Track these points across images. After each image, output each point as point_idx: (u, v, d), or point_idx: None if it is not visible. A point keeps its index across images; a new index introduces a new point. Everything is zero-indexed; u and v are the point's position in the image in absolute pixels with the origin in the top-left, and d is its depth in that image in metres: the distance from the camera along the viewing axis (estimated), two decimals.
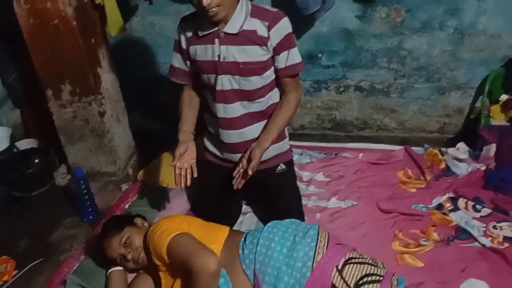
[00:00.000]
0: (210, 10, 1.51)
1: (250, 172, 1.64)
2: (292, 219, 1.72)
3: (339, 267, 1.50)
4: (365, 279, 1.47)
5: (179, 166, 1.76)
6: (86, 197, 2.24)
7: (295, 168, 2.29)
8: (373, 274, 1.49)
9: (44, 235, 2.20)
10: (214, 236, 1.68)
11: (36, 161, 2.43)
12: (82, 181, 2.20)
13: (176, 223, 1.66)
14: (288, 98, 1.77)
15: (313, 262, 1.52)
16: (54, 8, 2.14)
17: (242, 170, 1.68)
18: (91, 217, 2.27)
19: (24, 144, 2.69)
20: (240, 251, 1.62)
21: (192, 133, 1.85)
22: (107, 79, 2.47)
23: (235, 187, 1.70)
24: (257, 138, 1.78)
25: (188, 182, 1.78)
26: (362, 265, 1.51)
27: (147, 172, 2.53)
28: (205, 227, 1.72)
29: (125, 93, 2.67)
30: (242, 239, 1.66)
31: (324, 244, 1.58)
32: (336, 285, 1.47)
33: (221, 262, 1.54)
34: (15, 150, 2.56)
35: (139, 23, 2.80)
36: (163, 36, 2.79)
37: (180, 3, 2.65)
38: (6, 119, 2.93)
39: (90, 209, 2.26)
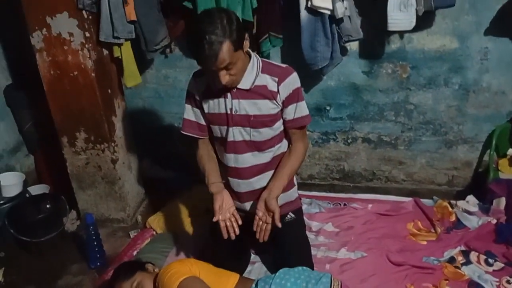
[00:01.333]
0: (225, 87, 1.64)
1: (279, 225, 1.67)
2: (304, 267, 1.71)
3: None
4: None
5: (222, 219, 1.73)
6: (95, 243, 2.24)
7: (304, 218, 2.30)
8: None
9: (52, 281, 2.20)
10: (224, 282, 1.67)
11: (47, 206, 2.45)
12: (91, 227, 2.22)
13: (186, 266, 1.66)
14: (295, 146, 1.83)
15: None
16: (74, 60, 2.26)
17: (262, 222, 1.70)
18: (98, 263, 2.27)
19: (36, 189, 2.73)
20: None
21: (221, 182, 1.84)
22: (121, 127, 2.54)
23: (261, 240, 1.71)
24: (263, 188, 1.81)
25: (237, 231, 1.74)
26: None
27: (156, 219, 2.54)
28: (215, 273, 1.71)
29: (137, 142, 2.74)
30: (253, 285, 1.65)
31: None
32: None
33: None
34: (27, 195, 2.59)
35: (154, 75, 2.91)
36: (176, 88, 2.88)
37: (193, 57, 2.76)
38: (19, 165, 2.99)
39: (98, 255, 2.26)
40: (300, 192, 2.67)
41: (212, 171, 1.84)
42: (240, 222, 1.75)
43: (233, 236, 1.74)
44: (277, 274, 1.66)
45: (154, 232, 2.49)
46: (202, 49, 1.50)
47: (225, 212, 1.74)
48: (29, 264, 2.33)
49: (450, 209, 2.46)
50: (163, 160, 3.08)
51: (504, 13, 2.27)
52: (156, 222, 2.54)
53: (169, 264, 1.73)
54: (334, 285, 1.60)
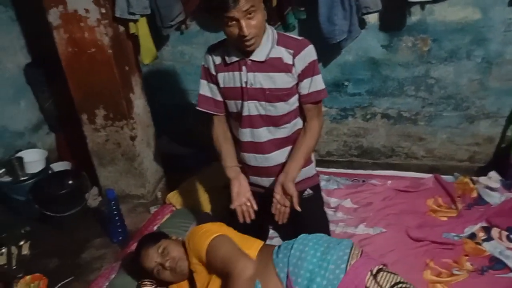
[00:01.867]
0: (248, 40, 1.57)
1: (298, 208, 1.67)
2: (324, 234, 1.74)
3: (373, 272, 1.50)
4: (399, 285, 1.47)
5: (238, 204, 1.73)
6: (117, 218, 2.29)
7: (323, 194, 2.30)
8: (406, 282, 1.50)
9: (75, 255, 2.27)
10: (250, 243, 1.72)
11: (70, 182, 2.51)
12: (113, 202, 2.26)
13: (217, 226, 1.74)
14: (310, 124, 1.80)
15: (347, 265, 1.52)
16: (91, 37, 2.26)
17: (280, 205, 1.69)
18: (120, 237, 2.32)
19: (59, 166, 2.79)
20: (274, 255, 1.65)
21: (237, 166, 1.84)
22: (139, 104, 2.56)
23: (280, 222, 1.72)
24: (282, 164, 1.80)
25: (252, 215, 1.74)
26: (395, 275, 1.52)
27: (175, 195, 2.57)
28: (242, 236, 1.76)
29: (155, 119, 2.75)
30: (276, 247, 1.70)
31: (358, 252, 1.59)
32: None
33: (255, 266, 1.58)
34: (49, 171, 2.65)
35: (170, 52, 2.90)
36: (192, 64, 2.87)
37: (210, 32, 2.74)
38: (41, 143, 3.05)
39: (119, 230, 2.32)
40: (318, 168, 2.65)
41: (228, 154, 1.83)
42: (255, 207, 1.75)
43: (248, 220, 1.74)
44: (297, 238, 1.69)
45: (174, 208, 2.52)
46: None
47: (241, 197, 1.74)
48: (53, 238, 2.40)
49: (471, 185, 2.42)
50: (180, 137, 3.10)
51: None
52: (176, 198, 2.57)
53: (200, 225, 1.79)
54: (355, 248, 1.61)
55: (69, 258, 2.24)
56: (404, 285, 1.48)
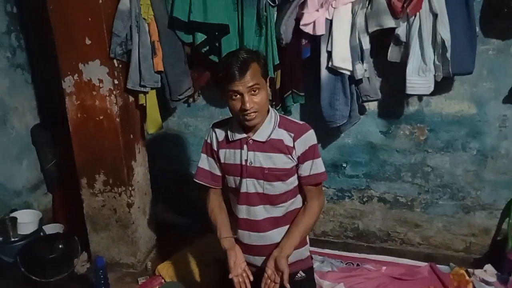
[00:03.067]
0: (249, 114, 1.65)
1: (287, 285, 1.63)
2: None
3: None
4: None
5: (235, 275, 1.71)
6: (103, 287, 2.22)
7: (316, 276, 2.25)
8: None
9: None
10: None
11: (60, 246, 2.45)
12: (101, 271, 2.22)
13: None
14: (310, 204, 1.82)
15: None
16: (102, 105, 2.36)
17: (270, 281, 1.67)
18: None
19: (51, 228, 2.77)
20: None
21: (232, 237, 1.83)
22: (139, 172, 2.59)
23: None
24: (277, 243, 1.79)
25: (249, 286, 1.71)
26: None
27: (165, 267, 2.53)
28: None
29: (153, 185, 2.77)
30: None
31: None
32: None
33: None
34: (41, 233, 2.62)
35: (176, 122, 2.99)
36: (196, 136, 2.95)
37: (215, 107, 2.85)
38: (37, 203, 3.05)
39: None
40: (313, 248, 2.63)
41: (223, 225, 1.83)
42: (251, 278, 1.72)
43: None
44: None
45: (163, 280, 2.47)
46: (232, 65, 1.58)
47: (237, 267, 1.72)
48: None
49: (467, 277, 2.40)
50: (177, 206, 3.10)
51: None
52: (166, 270, 2.52)
53: None
54: None
55: None
56: None
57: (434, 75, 2.16)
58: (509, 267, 2.33)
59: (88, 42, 2.24)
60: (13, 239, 2.48)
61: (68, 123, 2.44)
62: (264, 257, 1.84)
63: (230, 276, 1.69)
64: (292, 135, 1.74)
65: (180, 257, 2.60)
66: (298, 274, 1.92)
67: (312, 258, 2.03)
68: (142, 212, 2.64)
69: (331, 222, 2.92)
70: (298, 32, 2.30)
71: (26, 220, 2.58)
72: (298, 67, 2.39)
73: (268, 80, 1.72)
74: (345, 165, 2.76)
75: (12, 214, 2.61)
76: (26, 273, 2.35)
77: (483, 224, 2.63)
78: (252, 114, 1.65)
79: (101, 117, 2.37)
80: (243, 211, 1.83)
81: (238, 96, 1.63)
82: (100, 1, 2.17)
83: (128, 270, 2.62)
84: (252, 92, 1.62)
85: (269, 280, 1.67)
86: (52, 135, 2.99)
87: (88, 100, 2.35)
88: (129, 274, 2.60)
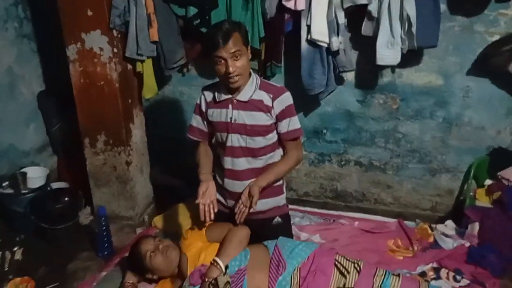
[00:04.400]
0: (232, 77, 1.90)
1: (254, 207, 1.96)
2: None
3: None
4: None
5: (202, 203, 2.04)
6: (105, 233, 2.52)
7: (294, 229, 2.54)
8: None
9: (63, 264, 2.48)
10: None
11: (65, 199, 2.74)
12: (103, 219, 2.50)
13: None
14: (288, 154, 2.12)
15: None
16: (102, 71, 2.59)
17: (242, 206, 1.98)
18: (106, 252, 2.53)
19: (58, 185, 3.04)
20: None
21: (210, 173, 2.16)
22: (137, 134, 2.85)
23: (237, 222, 1.99)
24: None
25: (212, 216, 2.05)
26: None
27: (160, 219, 2.82)
28: None
29: (150, 149, 3.03)
30: None
31: None
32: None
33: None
34: (48, 188, 2.89)
35: (171, 90, 3.23)
36: (189, 103, 3.19)
37: (206, 78, 3.08)
38: (44, 163, 3.31)
39: (106, 245, 2.53)
40: (295, 206, 2.94)
41: (205, 164, 2.16)
42: (215, 209, 2.06)
43: (207, 220, 2.03)
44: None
45: (157, 230, 2.76)
46: (217, 33, 1.84)
47: (206, 198, 2.05)
48: (45, 248, 2.61)
49: (429, 231, 2.67)
50: (172, 169, 3.36)
51: (485, 56, 2.54)
52: (161, 221, 2.81)
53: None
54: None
55: (56, 267, 2.44)
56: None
57: (401, 48, 2.40)
58: (466, 222, 2.60)
59: (89, 13, 2.46)
60: (23, 192, 2.76)
61: (70, 90, 2.67)
62: None
63: (196, 201, 2.02)
64: (271, 96, 2.00)
65: (174, 210, 2.88)
66: (275, 219, 2.20)
67: (288, 206, 2.30)
68: (140, 170, 2.91)
69: (312, 184, 3.20)
70: (281, 7, 2.52)
71: (35, 175, 2.85)
72: (279, 40, 2.62)
73: (249, 48, 1.97)
74: (325, 132, 3.02)
75: (22, 170, 2.88)
76: (36, 221, 2.64)
77: (448, 185, 2.91)
78: (236, 77, 1.91)
79: (102, 83, 2.61)
80: (228, 162, 2.11)
81: (223, 61, 1.88)
82: None
83: (127, 222, 2.90)
84: (235, 57, 1.87)
85: (242, 205, 1.98)
86: (57, 101, 3.23)
87: (90, 67, 2.59)
88: (128, 225, 2.88)
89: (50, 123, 3.34)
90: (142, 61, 2.65)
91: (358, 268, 1.89)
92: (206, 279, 1.85)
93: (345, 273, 1.87)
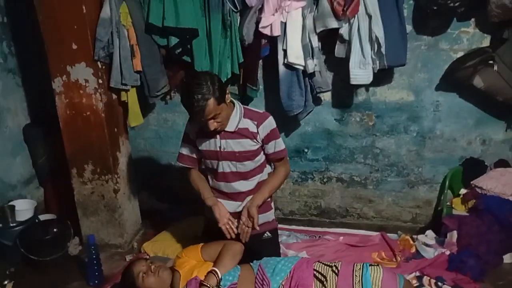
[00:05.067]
0: (213, 131, 2.04)
1: (257, 228, 2.10)
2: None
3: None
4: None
5: (223, 224, 2.13)
6: (95, 262, 2.54)
7: (282, 247, 2.63)
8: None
9: None
10: None
11: (54, 230, 2.77)
12: (93, 247, 2.52)
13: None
14: (277, 170, 2.27)
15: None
16: (88, 102, 2.67)
17: (244, 226, 2.11)
18: (96, 281, 2.55)
19: (45, 217, 3.05)
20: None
21: (213, 195, 2.24)
22: (124, 162, 2.91)
23: (243, 241, 2.11)
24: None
25: (236, 230, 2.14)
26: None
27: (150, 244, 2.85)
28: None
29: (137, 176, 3.09)
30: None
31: None
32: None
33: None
34: (36, 220, 2.91)
35: (155, 118, 3.32)
36: (174, 130, 3.28)
37: None
38: (30, 196, 3.33)
39: (96, 273, 2.55)
40: (281, 225, 3.02)
41: (205, 189, 2.25)
42: (235, 223, 2.15)
43: (233, 235, 2.12)
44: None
45: (148, 256, 2.79)
46: (192, 105, 1.93)
47: (223, 218, 2.14)
48: (35, 279, 2.61)
49: (411, 242, 2.78)
50: (159, 193, 3.42)
51: (451, 71, 2.70)
52: (150, 247, 2.85)
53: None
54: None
55: None
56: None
57: (373, 67, 2.55)
58: (445, 230, 2.71)
59: (74, 46, 2.55)
60: (12, 225, 2.77)
61: (56, 122, 2.73)
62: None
63: (219, 225, 2.12)
64: (255, 122, 2.13)
65: (163, 236, 2.92)
66: (265, 234, 2.31)
67: (276, 220, 2.40)
68: (128, 197, 2.96)
69: (297, 202, 3.29)
70: (258, 33, 2.65)
71: (23, 208, 2.87)
72: (256, 64, 2.75)
73: (227, 95, 2.05)
74: (306, 150, 3.13)
75: (10, 203, 2.90)
76: (25, 253, 2.65)
77: (426, 196, 3.03)
78: (217, 130, 2.06)
79: (88, 113, 2.68)
80: (222, 186, 2.23)
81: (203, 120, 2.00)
82: (85, 11, 2.48)
83: (116, 250, 2.92)
84: (213, 118, 2.00)
85: (244, 225, 2.11)
86: (43, 132, 3.28)
87: (76, 98, 2.66)
88: (118, 253, 2.91)
89: (37, 155, 3.37)
90: (126, 91, 2.74)
91: (336, 270, 1.94)
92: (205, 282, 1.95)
93: (324, 280, 1.92)
